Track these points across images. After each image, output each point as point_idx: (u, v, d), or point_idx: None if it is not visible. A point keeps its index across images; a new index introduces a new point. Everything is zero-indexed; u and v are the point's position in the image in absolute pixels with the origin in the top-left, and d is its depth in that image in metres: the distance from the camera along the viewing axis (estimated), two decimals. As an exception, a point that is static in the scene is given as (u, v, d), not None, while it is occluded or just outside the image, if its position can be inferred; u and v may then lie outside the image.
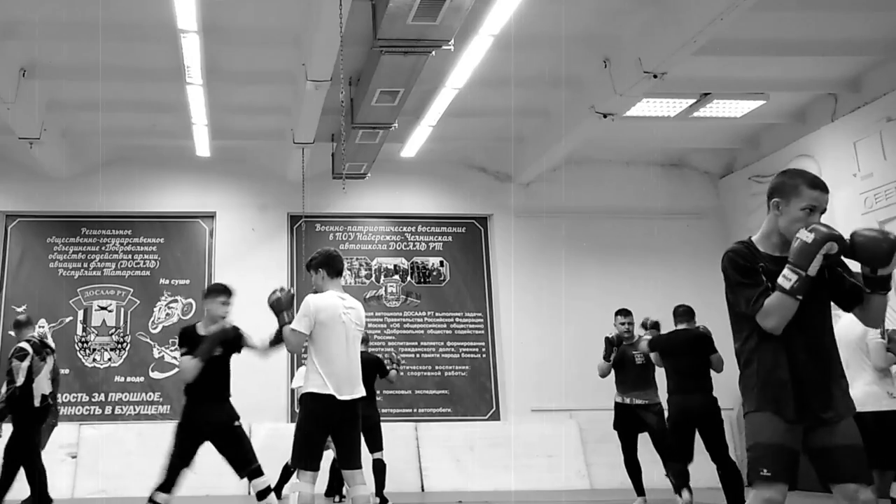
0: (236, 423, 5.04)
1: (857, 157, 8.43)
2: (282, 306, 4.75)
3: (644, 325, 7.28)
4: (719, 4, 6.15)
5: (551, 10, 6.94)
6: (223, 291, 5.16)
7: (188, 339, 5.00)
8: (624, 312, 7.26)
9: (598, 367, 7.14)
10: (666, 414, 6.86)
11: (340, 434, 4.55)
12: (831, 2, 7.05)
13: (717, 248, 12.44)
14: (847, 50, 7.81)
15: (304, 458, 4.44)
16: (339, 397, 4.46)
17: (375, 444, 7.62)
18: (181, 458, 4.88)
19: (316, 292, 4.69)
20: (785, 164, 9.58)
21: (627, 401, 7.05)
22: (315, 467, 4.45)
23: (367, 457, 7.74)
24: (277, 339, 4.93)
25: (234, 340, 5.09)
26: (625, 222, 10.82)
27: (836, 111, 8.86)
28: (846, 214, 8.50)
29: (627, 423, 7.04)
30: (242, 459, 4.97)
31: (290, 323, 4.61)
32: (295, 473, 4.49)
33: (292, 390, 9.66)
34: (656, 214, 10.86)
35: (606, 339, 7.10)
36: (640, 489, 7.10)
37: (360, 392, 4.60)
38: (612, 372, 7.19)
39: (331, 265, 4.69)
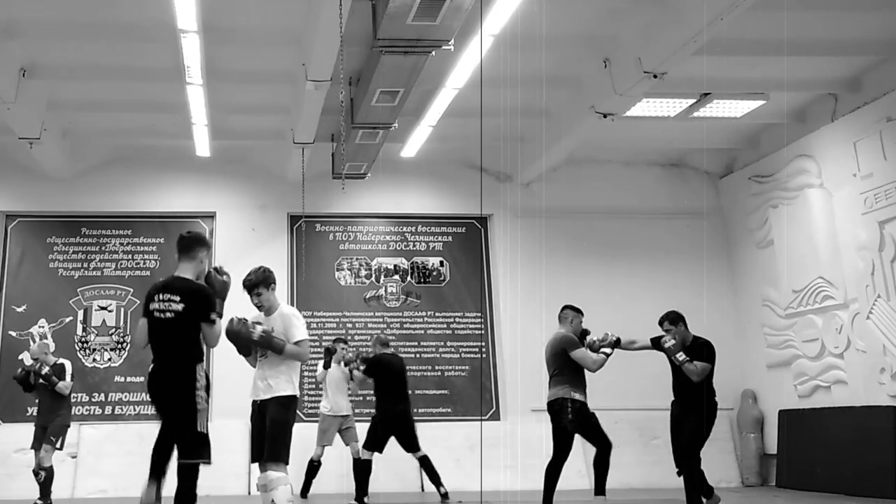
0: None
1: (857, 157, 8.41)
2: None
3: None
4: (719, 4, 6.15)
5: (551, 10, 6.93)
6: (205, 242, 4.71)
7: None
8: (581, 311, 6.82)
9: (598, 362, 6.51)
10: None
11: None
12: (831, 2, 7.04)
13: (718, 248, 12.42)
14: (847, 50, 7.81)
15: (288, 452, 4.75)
16: None
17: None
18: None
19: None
20: (785, 164, 9.59)
21: (588, 402, 6.57)
22: None
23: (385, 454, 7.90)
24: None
25: None
26: (625, 222, 10.81)
27: (836, 111, 8.85)
28: (846, 214, 8.52)
29: (581, 424, 6.59)
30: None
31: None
32: (279, 467, 4.67)
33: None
34: (656, 214, 10.86)
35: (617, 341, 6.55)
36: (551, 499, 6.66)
37: None
38: (570, 371, 6.56)
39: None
